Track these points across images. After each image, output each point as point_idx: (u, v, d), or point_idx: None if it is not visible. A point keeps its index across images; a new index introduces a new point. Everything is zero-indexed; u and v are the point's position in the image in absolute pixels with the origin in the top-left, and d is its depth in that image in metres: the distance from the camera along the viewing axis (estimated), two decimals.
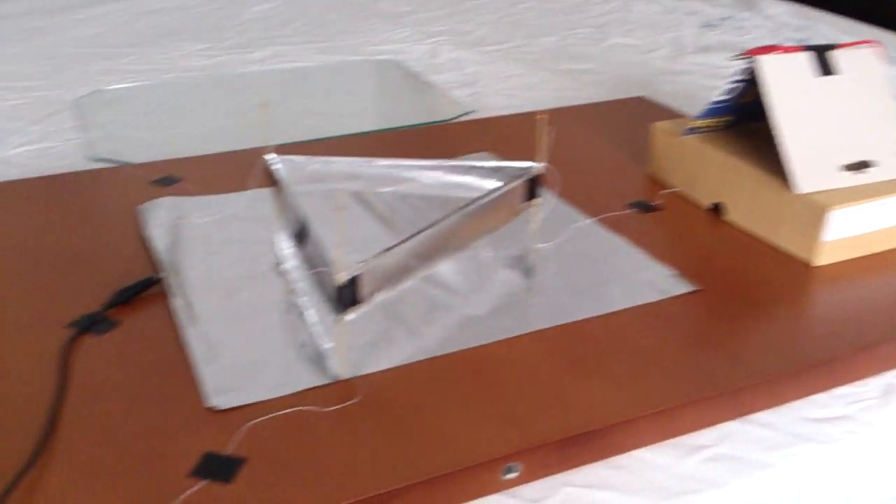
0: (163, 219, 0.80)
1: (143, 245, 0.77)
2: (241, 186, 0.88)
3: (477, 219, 0.72)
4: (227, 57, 1.44)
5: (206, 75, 1.34)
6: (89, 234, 0.79)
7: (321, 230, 0.64)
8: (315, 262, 0.65)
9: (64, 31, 1.55)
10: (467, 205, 0.70)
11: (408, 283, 0.67)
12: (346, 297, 0.58)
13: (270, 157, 0.77)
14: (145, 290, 0.69)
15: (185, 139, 1.09)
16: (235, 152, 0.97)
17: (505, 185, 0.74)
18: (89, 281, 0.71)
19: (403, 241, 0.64)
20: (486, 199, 0.71)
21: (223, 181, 0.89)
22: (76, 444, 0.53)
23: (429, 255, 0.68)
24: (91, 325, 0.64)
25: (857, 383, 0.65)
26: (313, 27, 1.62)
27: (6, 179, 0.93)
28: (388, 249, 0.62)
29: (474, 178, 0.80)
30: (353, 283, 0.59)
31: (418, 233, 0.65)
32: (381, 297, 0.63)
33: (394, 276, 0.65)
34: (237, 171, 0.91)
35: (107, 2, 1.72)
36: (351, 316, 0.60)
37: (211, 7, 1.73)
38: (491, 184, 0.78)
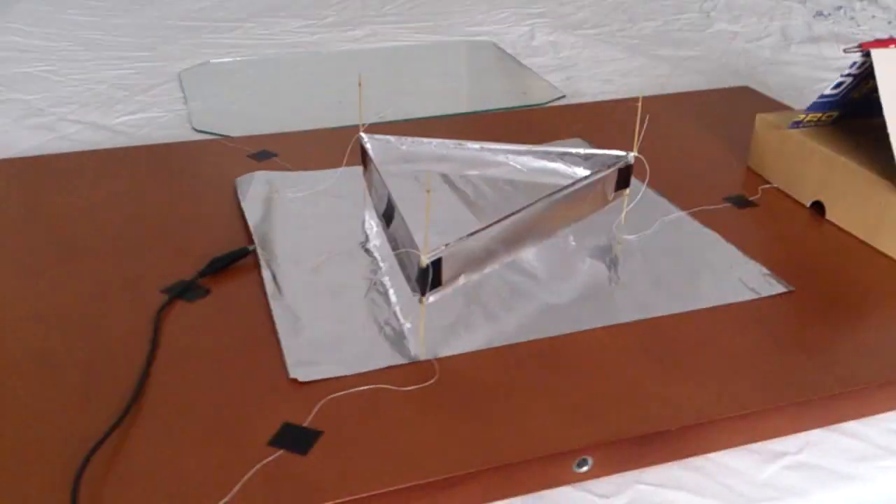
0: (257, 192, 0.83)
1: (239, 217, 0.79)
2: (335, 163, 0.89)
3: (564, 207, 0.71)
4: (327, 34, 1.46)
5: (305, 52, 1.37)
6: (188, 204, 0.82)
7: (407, 211, 0.65)
8: (400, 243, 0.66)
9: (171, 3, 1.60)
10: (554, 192, 0.69)
11: (491, 268, 0.67)
12: (428, 279, 0.59)
13: (363, 136, 0.78)
14: (237, 260, 0.71)
15: (283, 115, 1.12)
16: (331, 129, 0.99)
17: (594, 173, 0.73)
18: (186, 248, 0.73)
19: (488, 227, 0.63)
20: (573, 188, 0.71)
21: (317, 157, 0.90)
22: (162, 405, 0.55)
23: (513, 241, 0.68)
24: (183, 291, 0.67)
25: None
26: (412, 6, 1.63)
27: (113, 146, 0.97)
28: (473, 234, 0.62)
29: (564, 165, 0.79)
30: (435, 265, 0.59)
31: (503, 218, 0.65)
32: (462, 281, 0.64)
33: (477, 261, 0.65)
34: (331, 148, 0.93)
35: None
36: (432, 298, 0.61)
37: None
38: (580, 171, 0.77)
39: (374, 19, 1.54)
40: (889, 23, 1.54)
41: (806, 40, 1.43)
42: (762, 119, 0.89)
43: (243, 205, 0.80)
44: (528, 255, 0.73)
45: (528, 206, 0.67)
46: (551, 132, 0.99)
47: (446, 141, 0.80)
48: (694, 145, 0.98)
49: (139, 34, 1.42)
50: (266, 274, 0.69)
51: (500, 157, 0.80)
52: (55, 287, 0.68)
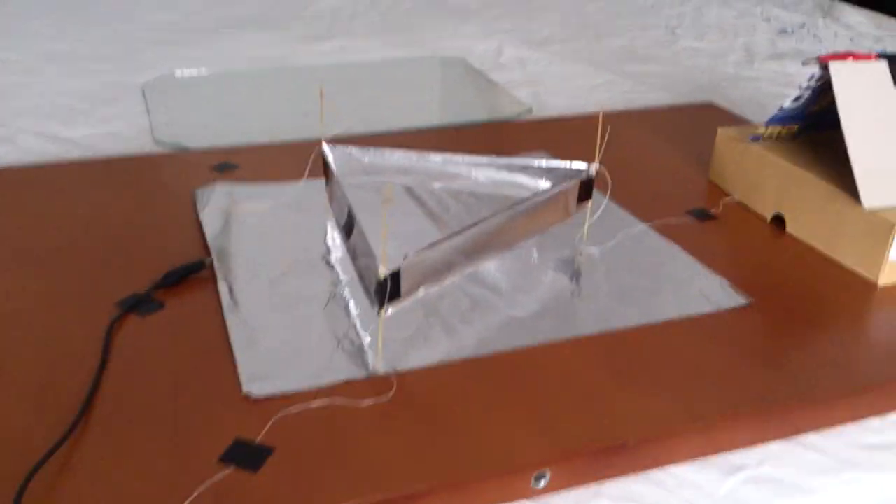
0: (217, 204, 0.81)
1: (198, 229, 0.78)
2: (298, 176, 0.88)
3: (525, 219, 0.71)
4: (295, 48, 1.45)
5: (271, 66, 1.36)
6: (147, 216, 0.80)
7: (368, 223, 0.64)
8: (359, 255, 0.65)
9: (139, 16, 1.59)
10: (516, 204, 0.69)
11: (451, 280, 0.66)
12: (386, 291, 0.58)
13: (325, 147, 0.77)
14: (193, 273, 0.70)
15: (248, 127, 1.10)
16: (294, 142, 0.98)
17: (555, 185, 0.73)
18: (143, 262, 0.72)
19: (447, 238, 0.63)
20: (535, 200, 0.70)
21: (280, 170, 0.89)
22: (110, 421, 0.54)
23: (474, 252, 0.67)
24: (137, 304, 0.65)
25: None
26: (382, 21, 1.62)
27: (72, 158, 0.95)
28: (432, 245, 0.62)
29: (526, 178, 0.79)
30: (393, 277, 0.58)
31: (463, 230, 0.64)
32: (422, 293, 0.63)
33: (437, 273, 0.64)
34: (294, 160, 0.92)
35: None
36: (390, 311, 0.60)
37: None
38: (543, 184, 0.77)
39: (343, 34, 1.54)
40: (851, 40, 1.56)
41: (769, 57, 1.45)
42: (723, 133, 0.89)
43: (201, 217, 0.79)
44: (490, 267, 0.73)
45: (488, 217, 0.66)
46: (518, 146, 0.99)
47: (409, 153, 0.79)
48: (657, 159, 0.98)
49: (105, 47, 1.41)
50: (222, 287, 0.68)
51: (463, 170, 0.79)
52: (7, 299, 0.66)
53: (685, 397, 0.58)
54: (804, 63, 0.79)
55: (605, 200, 0.84)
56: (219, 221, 0.78)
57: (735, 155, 0.87)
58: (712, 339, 0.65)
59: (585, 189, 0.75)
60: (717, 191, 0.89)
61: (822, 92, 0.79)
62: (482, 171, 0.80)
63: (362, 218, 0.65)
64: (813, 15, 1.70)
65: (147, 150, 0.99)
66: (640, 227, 0.81)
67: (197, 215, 0.80)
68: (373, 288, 0.59)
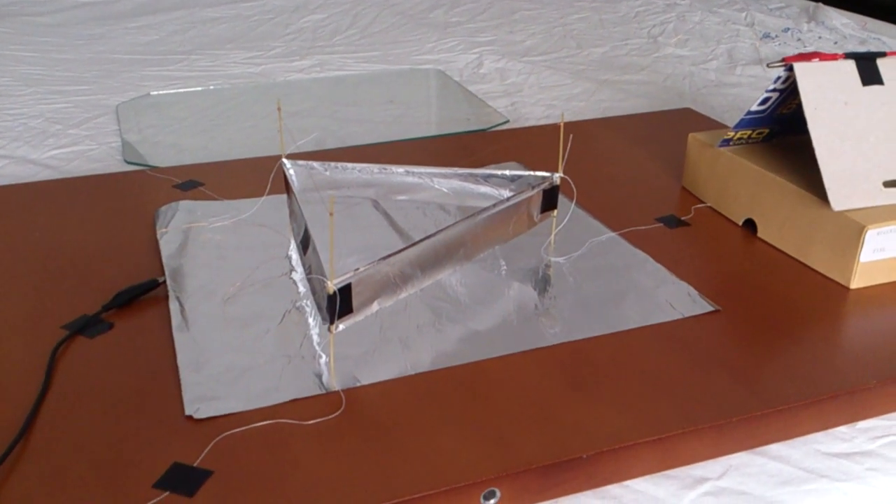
0: (176, 222, 0.80)
1: (157, 249, 0.76)
2: (262, 192, 0.87)
3: (485, 229, 0.69)
4: (273, 65, 1.44)
5: (248, 83, 1.35)
6: (106, 236, 0.79)
7: (325, 237, 0.62)
8: (314, 270, 0.64)
9: (118, 38, 1.58)
10: (474, 215, 0.67)
11: (407, 294, 0.65)
12: (335, 306, 0.56)
13: (285, 162, 0.76)
14: (144, 293, 0.68)
15: (220, 145, 1.09)
16: (261, 158, 0.97)
17: (515, 195, 0.71)
18: (97, 282, 0.71)
19: (401, 251, 0.61)
20: (494, 210, 0.69)
21: (245, 186, 0.88)
22: (49, 446, 0.52)
23: (432, 264, 0.66)
24: (84, 326, 0.64)
25: (885, 416, 0.60)
26: (362, 37, 1.62)
27: (36, 180, 0.94)
28: (385, 258, 0.60)
29: (490, 188, 0.77)
30: (343, 292, 0.57)
31: (418, 242, 0.63)
32: (376, 308, 0.61)
33: (391, 286, 0.62)
34: (261, 176, 0.91)
35: (164, 10, 1.76)
36: (341, 326, 0.58)
37: (264, 17, 1.74)
38: (507, 194, 0.76)
39: (322, 50, 1.53)
40: (835, 43, 1.55)
41: (752, 62, 1.43)
42: (694, 138, 0.88)
43: (159, 236, 0.77)
44: (453, 279, 0.71)
45: (444, 229, 0.65)
46: (491, 156, 0.98)
47: (371, 166, 0.78)
48: (631, 167, 0.96)
49: (81, 69, 1.40)
50: (173, 306, 0.66)
51: (426, 181, 0.78)
52: None
53: (645, 409, 0.56)
54: (769, 65, 0.77)
55: (572, 208, 0.82)
56: (177, 240, 0.77)
57: (706, 160, 0.85)
58: (676, 348, 0.63)
59: (550, 198, 0.74)
60: (690, 197, 0.88)
61: (790, 94, 0.78)
62: (446, 182, 0.78)
63: (323, 233, 0.63)
64: (797, 19, 1.69)
65: (115, 170, 0.98)
66: (608, 236, 0.79)
67: (156, 234, 0.78)
68: (323, 304, 0.58)
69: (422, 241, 0.63)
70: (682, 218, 0.83)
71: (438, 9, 1.80)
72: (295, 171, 0.76)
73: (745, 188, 0.80)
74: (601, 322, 0.66)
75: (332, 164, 0.78)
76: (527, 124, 1.15)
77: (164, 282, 0.69)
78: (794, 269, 0.74)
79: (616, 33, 1.63)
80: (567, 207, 0.82)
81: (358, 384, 0.58)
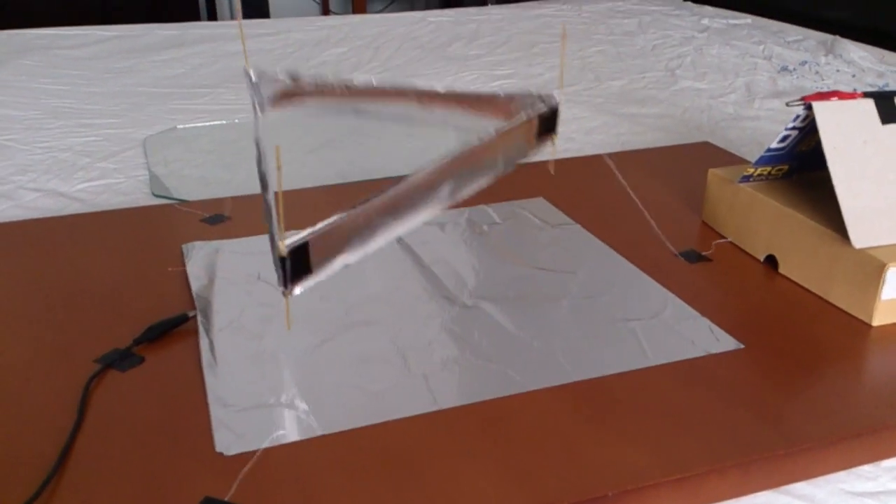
0: (203, 257, 0.82)
1: (186, 283, 0.78)
2: (288, 226, 0.88)
3: (469, 164, 0.63)
4: None
5: (273, 116, 1.37)
6: (135, 270, 0.81)
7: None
8: (266, 217, 0.57)
9: (145, 71, 1.62)
10: (451, 154, 0.61)
11: (380, 244, 0.58)
12: (286, 269, 0.52)
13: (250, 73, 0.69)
14: (175, 327, 0.69)
15: (245, 178, 1.11)
16: (287, 192, 0.98)
17: (502, 125, 0.64)
18: (128, 316, 0.72)
19: (365, 201, 0.56)
20: (474, 146, 0.62)
21: None
22: (82, 479, 0.53)
23: (407, 209, 0.59)
24: (116, 360, 0.65)
25: None
26: (382, 70, 1.64)
27: (66, 213, 0.96)
28: (349, 211, 0.55)
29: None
30: (300, 252, 0.53)
31: (383, 191, 0.57)
32: (341, 264, 0.56)
33: (359, 239, 0.57)
34: (286, 210, 0.92)
35: (189, 44, 1.79)
36: (297, 290, 0.54)
37: (287, 51, 1.77)
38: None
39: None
40: (853, 76, 1.55)
41: (770, 95, 1.44)
42: (714, 174, 0.88)
43: (188, 270, 0.79)
44: (477, 315, 0.72)
45: (413, 173, 0.59)
46: (515, 191, 0.99)
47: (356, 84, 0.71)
48: (650, 200, 0.97)
49: (109, 102, 1.43)
50: (203, 342, 0.68)
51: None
52: None
53: (668, 447, 0.57)
54: (788, 104, 0.78)
55: (600, 243, 0.83)
56: (205, 275, 0.78)
57: (727, 196, 0.86)
58: (698, 385, 0.64)
59: (549, 122, 0.66)
60: (710, 232, 0.88)
61: (810, 132, 0.79)
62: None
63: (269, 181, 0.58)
64: (815, 52, 1.70)
65: (144, 203, 1.00)
66: (629, 269, 0.80)
67: (185, 268, 0.80)
68: (278, 264, 0.52)
69: (390, 188, 0.57)
70: (703, 253, 0.84)
71: (458, 42, 1.83)
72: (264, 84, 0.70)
73: (765, 224, 0.81)
74: (622, 358, 0.67)
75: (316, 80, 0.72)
76: (545, 158, 1.16)
77: (195, 316, 0.71)
78: (816, 306, 0.74)
79: (634, 66, 1.65)
80: (591, 243, 0.83)
81: (383, 420, 0.59)
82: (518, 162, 0.66)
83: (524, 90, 0.67)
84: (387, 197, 0.56)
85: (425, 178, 0.59)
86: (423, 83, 0.72)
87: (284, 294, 0.53)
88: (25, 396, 0.62)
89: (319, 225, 0.53)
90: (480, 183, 0.64)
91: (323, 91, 0.71)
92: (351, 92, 0.71)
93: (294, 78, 0.69)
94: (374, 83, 0.71)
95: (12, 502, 0.51)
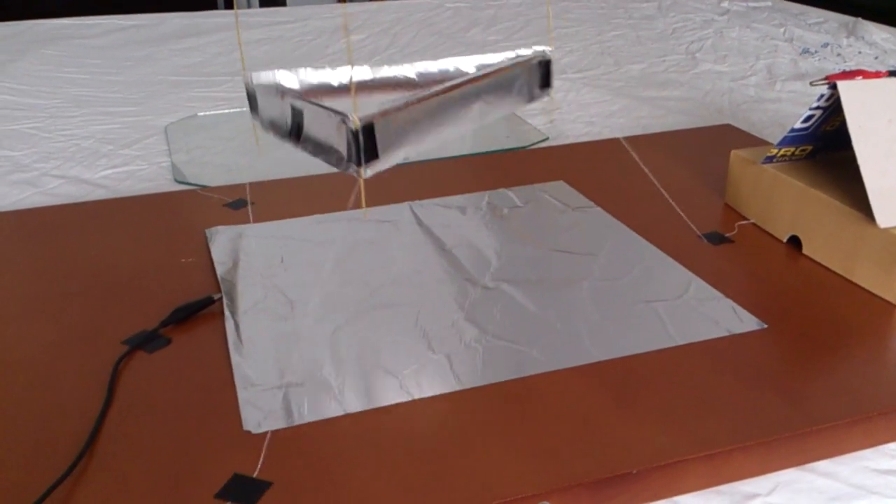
0: (227, 241, 0.82)
1: (210, 266, 0.79)
2: (311, 211, 0.89)
3: (492, 90, 0.67)
4: None
5: None
6: (160, 254, 0.81)
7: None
8: (319, 127, 0.59)
9: (164, 59, 1.62)
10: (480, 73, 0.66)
11: (427, 146, 0.61)
12: (360, 145, 0.53)
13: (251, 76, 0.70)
14: (201, 310, 0.70)
15: (266, 164, 1.12)
16: (308, 177, 0.99)
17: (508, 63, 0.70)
18: (154, 299, 0.73)
19: (424, 97, 0.59)
20: (492, 69, 0.67)
21: (294, 205, 0.90)
22: (112, 458, 0.54)
23: (446, 117, 0.63)
24: (144, 342, 0.66)
25: None
26: (400, 56, 1.64)
27: (90, 199, 0.97)
28: (401, 100, 0.57)
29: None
30: (368, 132, 0.54)
31: (429, 91, 0.60)
32: (402, 157, 0.58)
33: (415, 134, 0.59)
34: (309, 195, 0.93)
35: (206, 33, 1.80)
36: (369, 172, 0.55)
37: (305, 39, 1.77)
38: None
39: (366, 70, 1.55)
40: (876, 58, 1.54)
41: (791, 77, 1.43)
42: (736, 155, 0.88)
43: (213, 254, 0.80)
44: (498, 296, 0.72)
45: (452, 83, 0.62)
46: (534, 174, 0.99)
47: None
48: (672, 183, 0.97)
49: (129, 90, 1.44)
50: (229, 324, 0.68)
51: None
52: (18, 338, 0.68)
53: (692, 425, 0.57)
54: (812, 83, 0.78)
55: (621, 226, 0.83)
56: (229, 258, 0.79)
57: (749, 177, 0.86)
58: (722, 365, 0.64)
59: (545, 74, 0.73)
60: (732, 214, 0.88)
61: (834, 111, 0.78)
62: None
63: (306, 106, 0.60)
64: (836, 34, 1.69)
65: (166, 190, 1.00)
66: (651, 251, 0.80)
67: (209, 252, 0.80)
68: (344, 147, 0.54)
69: (434, 90, 0.60)
70: (726, 234, 0.83)
71: (476, 27, 1.82)
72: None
73: (789, 205, 0.80)
74: (646, 339, 0.67)
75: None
76: (566, 141, 1.16)
77: (220, 299, 0.71)
78: (840, 286, 0.74)
79: (654, 50, 1.64)
80: (613, 225, 0.83)
81: (407, 399, 0.60)
82: (530, 100, 0.71)
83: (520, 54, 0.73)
84: (431, 101, 0.59)
85: (455, 90, 0.62)
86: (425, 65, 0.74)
87: (357, 174, 0.53)
88: (55, 378, 0.63)
89: (378, 111, 0.54)
90: (503, 107, 0.68)
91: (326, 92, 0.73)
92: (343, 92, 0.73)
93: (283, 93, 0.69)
94: (378, 76, 0.74)
95: (44, 482, 0.52)
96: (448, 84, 0.61)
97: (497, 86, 0.67)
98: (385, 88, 0.75)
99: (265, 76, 0.70)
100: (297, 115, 0.60)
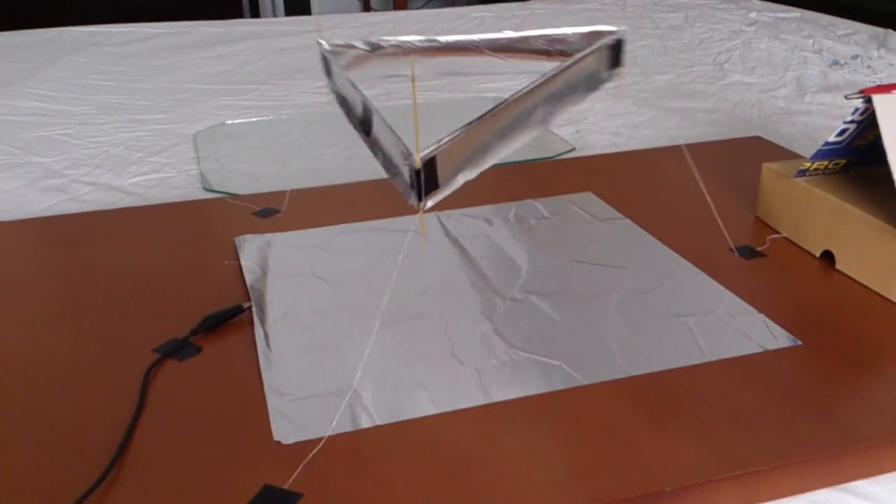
0: (257, 249, 0.83)
1: (239, 274, 0.79)
2: (339, 220, 0.89)
3: (557, 90, 0.64)
4: None
5: (319, 111, 1.38)
6: (189, 262, 0.82)
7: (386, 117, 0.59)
8: (384, 149, 0.61)
9: (192, 68, 1.64)
10: (543, 78, 0.63)
11: (489, 165, 0.61)
12: (421, 181, 0.54)
13: (323, 44, 0.71)
14: (230, 318, 0.70)
15: (294, 173, 1.12)
16: (337, 186, 0.99)
17: (579, 54, 0.66)
18: (184, 307, 0.73)
19: (480, 118, 0.58)
20: (560, 70, 0.64)
21: (322, 214, 0.90)
22: (144, 466, 0.54)
23: (509, 131, 0.62)
24: (174, 350, 0.66)
25: None
26: None
27: (120, 206, 0.98)
28: (465, 128, 0.57)
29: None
30: (429, 165, 0.55)
31: (494, 109, 0.59)
32: (462, 181, 0.59)
33: (474, 157, 0.60)
34: (337, 204, 0.93)
35: (235, 41, 1.81)
36: (429, 203, 0.56)
37: None
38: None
39: (388, 80, 1.56)
40: None
41: (821, 89, 1.42)
42: (768, 168, 0.87)
43: (242, 262, 0.80)
44: (526, 309, 0.72)
45: (519, 92, 0.61)
46: (561, 185, 0.99)
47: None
48: (702, 196, 0.96)
49: (158, 98, 1.45)
50: (258, 333, 0.68)
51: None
52: (51, 345, 0.68)
53: (725, 443, 0.56)
54: (847, 97, 0.77)
55: (651, 238, 0.83)
56: (258, 267, 0.79)
57: (781, 190, 0.85)
58: (756, 382, 0.63)
59: (615, 54, 0.68)
60: (764, 227, 0.87)
61: (868, 125, 0.77)
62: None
63: (376, 111, 0.60)
64: (867, 46, 1.67)
65: (195, 197, 1.01)
66: (681, 264, 0.79)
67: (238, 260, 0.81)
68: (406, 181, 0.55)
69: (499, 106, 0.60)
70: (758, 248, 0.83)
71: None
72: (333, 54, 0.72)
73: (822, 219, 0.80)
74: (677, 354, 0.66)
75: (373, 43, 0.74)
76: (593, 152, 1.16)
77: (249, 307, 0.72)
78: (875, 303, 0.73)
79: (681, 60, 1.63)
80: (642, 237, 0.83)
81: (437, 412, 0.59)
82: (594, 90, 0.67)
83: (591, 28, 0.69)
84: (492, 119, 0.59)
85: (521, 101, 0.61)
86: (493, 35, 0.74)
87: (418, 208, 0.55)
88: (86, 385, 0.63)
89: (441, 141, 0.55)
90: (566, 106, 0.66)
91: (399, 52, 0.74)
92: (426, 51, 0.73)
93: (374, 47, 0.72)
94: (443, 40, 0.73)
95: (76, 489, 0.52)
96: (514, 95, 0.60)
97: (563, 85, 0.64)
98: (449, 53, 0.75)
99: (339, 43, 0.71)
100: (368, 114, 0.61)
